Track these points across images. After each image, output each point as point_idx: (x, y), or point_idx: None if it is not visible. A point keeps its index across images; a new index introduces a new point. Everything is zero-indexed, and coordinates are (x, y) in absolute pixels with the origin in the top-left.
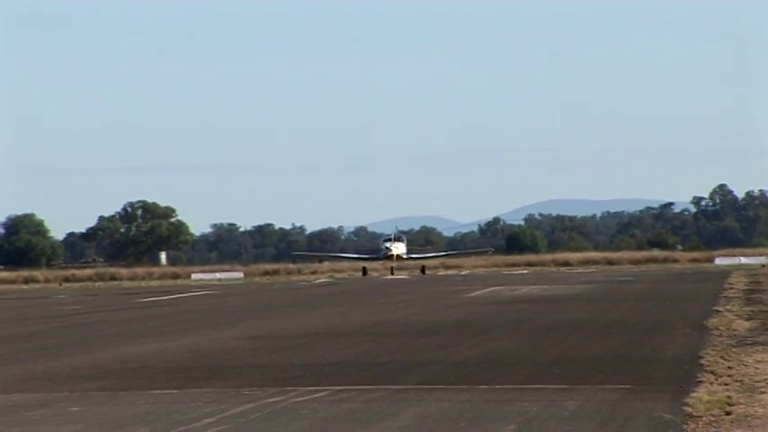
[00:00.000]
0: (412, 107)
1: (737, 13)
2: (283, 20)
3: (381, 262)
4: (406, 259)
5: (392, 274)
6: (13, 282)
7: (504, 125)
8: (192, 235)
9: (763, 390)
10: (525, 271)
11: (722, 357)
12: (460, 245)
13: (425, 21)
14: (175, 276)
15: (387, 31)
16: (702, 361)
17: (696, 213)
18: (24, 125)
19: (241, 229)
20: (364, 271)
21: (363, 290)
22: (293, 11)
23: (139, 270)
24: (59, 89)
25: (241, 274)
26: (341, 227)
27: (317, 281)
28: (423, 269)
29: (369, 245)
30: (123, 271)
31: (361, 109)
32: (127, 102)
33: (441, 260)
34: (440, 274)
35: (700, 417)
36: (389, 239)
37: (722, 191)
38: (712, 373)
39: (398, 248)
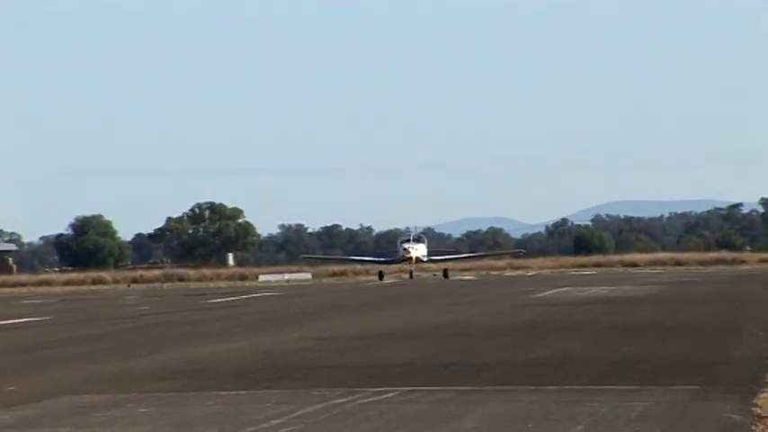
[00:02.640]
0: (479, 109)
1: None
2: (349, 19)
3: (399, 265)
4: (426, 262)
5: (411, 277)
6: (82, 283)
7: (571, 127)
8: (259, 236)
9: None
10: (593, 272)
11: None
12: (528, 245)
13: (500, 22)
14: (243, 277)
15: (461, 31)
16: None
17: (764, 214)
18: (91, 127)
19: (309, 230)
20: (380, 275)
21: (431, 291)
22: (360, 7)
23: (207, 271)
24: (128, 92)
25: (309, 275)
26: (408, 228)
27: (385, 281)
28: (445, 272)
29: (436, 246)
30: (191, 272)
31: (430, 111)
32: (194, 103)
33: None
34: (506, 275)
35: None
36: (408, 240)
37: None
38: None
39: (418, 250)
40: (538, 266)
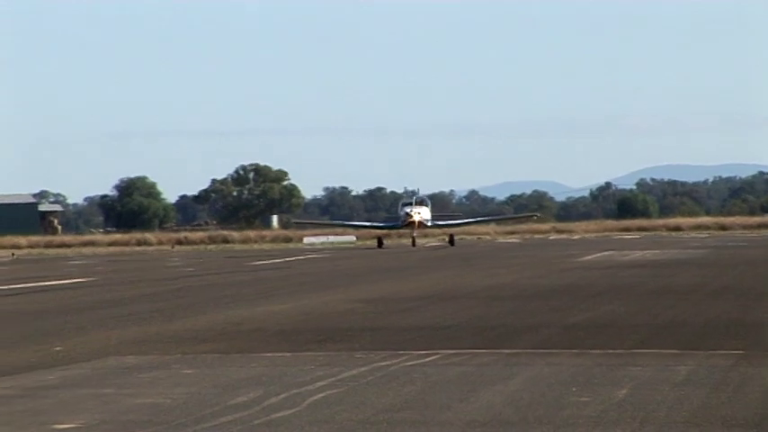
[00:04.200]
0: (524, 74)
1: None
2: None
3: (399, 230)
4: (430, 227)
5: (413, 245)
6: (126, 244)
7: (616, 91)
8: (303, 198)
9: None
10: (636, 236)
11: None
12: (573, 209)
13: None
14: (287, 239)
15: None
16: None
17: None
18: (136, 89)
19: (353, 193)
20: (380, 242)
21: (475, 253)
22: None
23: (251, 233)
24: (173, 54)
25: (353, 238)
26: (452, 191)
27: (428, 244)
28: (451, 238)
29: (479, 209)
30: (235, 234)
31: (475, 75)
32: (238, 66)
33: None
34: (551, 238)
35: None
36: (410, 203)
37: None
38: None
39: (421, 214)
40: (582, 230)
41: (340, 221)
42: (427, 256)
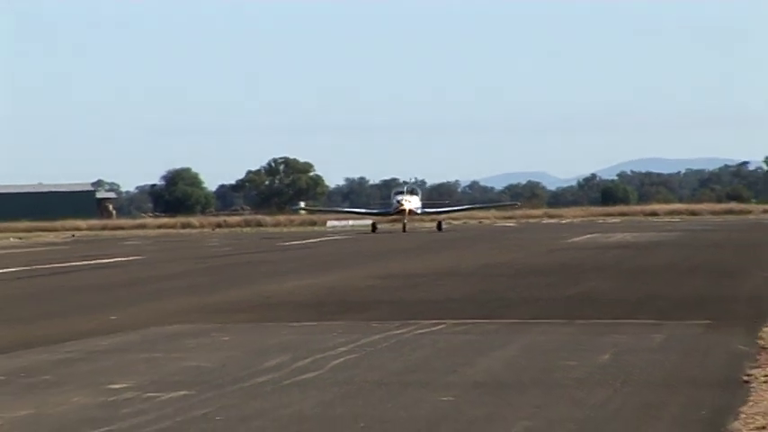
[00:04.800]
0: (521, 77)
1: None
2: None
3: (392, 217)
4: (420, 214)
5: (404, 231)
6: (173, 227)
7: (600, 93)
8: (327, 187)
9: None
10: (618, 220)
11: None
12: (562, 197)
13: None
14: (313, 223)
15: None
16: None
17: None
18: (182, 89)
19: (370, 183)
20: (374, 227)
21: (477, 236)
22: None
23: (281, 217)
24: (217, 58)
25: (370, 221)
26: (457, 181)
27: (431, 226)
28: (439, 225)
29: (480, 197)
30: (268, 218)
31: (478, 77)
32: (273, 70)
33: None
34: (543, 222)
35: None
36: (401, 192)
37: None
38: None
39: (411, 202)
40: (570, 216)
41: (338, 208)
42: (437, 238)
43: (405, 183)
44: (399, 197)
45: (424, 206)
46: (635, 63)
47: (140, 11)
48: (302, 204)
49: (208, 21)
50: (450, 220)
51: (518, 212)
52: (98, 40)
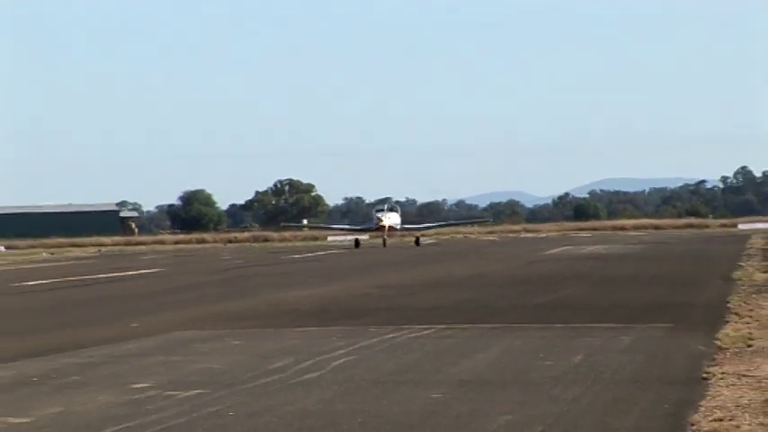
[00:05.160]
0: (500, 104)
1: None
2: (399, 14)
3: (373, 233)
4: (399, 230)
5: (384, 245)
6: (188, 242)
7: (572, 118)
8: (327, 206)
9: None
10: (589, 234)
11: (744, 302)
12: (539, 214)
13: (520, 19)
14: (315, 239)
15: (489, 26)
16: (729, 305)
17: (723, 189)
18: (194, 116)
19: (366, 201)
20: (356, 243)
21: (462, 250)
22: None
23: (287, 234)
24: (226, 88)
25: (367, 237)
26: (444, 199)
27: (427, 242)
28: (417, 240)
29: (465, 214)
30: (274, 234)
31: (461, 105)
32: (277, 101)
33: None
34: (522, 236)
35: (727, 348)
36: (382, 210)
37: (744, 171)
38: (737, 314)
39: (390, 219)
40: (546, 230)
41: (324, 225)
42: (426, 253)
43: (385, 200)
44: (379, 214)
45: (403, 222)
46: (604, 92)
47: (162, 44)
48: (305, 222)
49: (220, 56)
50: (438, 235)
51: (499, 228)
52: (122, 73)
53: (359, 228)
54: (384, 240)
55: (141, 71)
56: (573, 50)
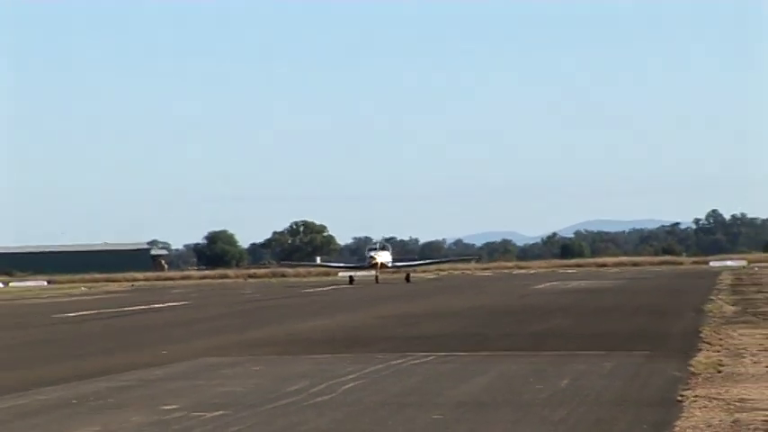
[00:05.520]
0: (497, 149)
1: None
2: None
3: (366, 270)
4: (390, 267)
5: (377, 282)
6: (212, 277)
7: (558, 165)
8: (338, 244)
9: (744, 355)
10: (575, 270)
11: (715, 332)
12: (529, 252)
13: (514, 75)
14: (327, 274)
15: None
16: (701, 334)
17: (696, 230)
18: (217, 166)
19: (373, 240)
20: (351, 280)
21: (460, 284)
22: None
23: (301, 270)
24: (246, 140)
25: (374, 272)
26: (444, 239)
27: (428, 277)
28: (407, 277)
29: (463, 252)
30: (290, 270)
31: (456, 150)
32: (292, 149)
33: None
34: (514, 273)
35: (699, 374)
36: (374, 248)
37: (714, 214)
38: (708, 343)
39: (382, 257)
40: (536, 267)
41: (321, 263)
42: (426, 287)
43: (378, 241)
44: (372, 252)
45: (394, 261)
46: (590, 141)
47: (190, 94)
48: (318, 260)
49: (248, 108)
50: (439, 271)
51: (493, 264)
52: (154, 124)
53: (353, 265)
54: (376, 277)
55: (170, 120)
56: (562, 104)
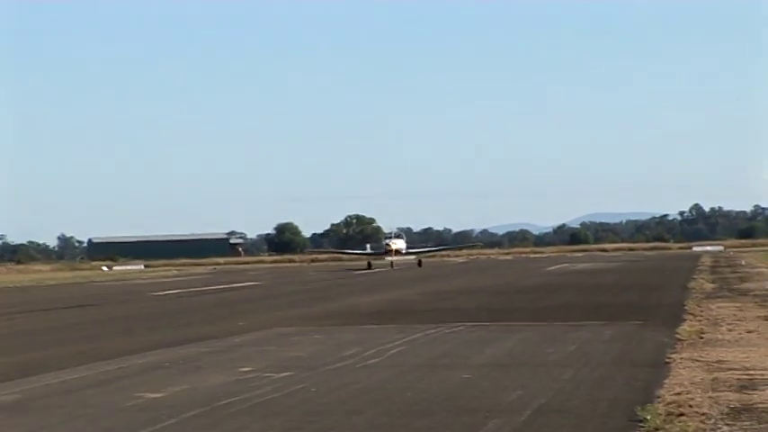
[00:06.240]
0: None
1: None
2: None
3: (383, 256)
4: (405, 254)
5: (392, 266)
6: (281, 262)
7: (565, 166)
8: (384, 234)
9: (721, 324)
10: (581, 254)
11: (697, 305)
12: (543, 239)
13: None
14: (376, 259)
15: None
16: (686, 307)
17: (681, 221)
18: (285, 170)
19: (414, 230)
20: (369, 265)
21: (484, 265)
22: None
23: (354, 255)
24: (308, 148)
25: (390, 258)
26: (472, 229)
27: (458, 260)
28: (419, 262)
29: (486, 240)
30: (344, 256)
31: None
32: (346, 156)
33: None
34: (531, 257)
35: (684, 340)
36: (390, 237)
37: (697, 207)
38: (692, 314)
39: (397, 244)
40: (549, 252)
41: (341, 250)
42: (458, 269)
43: (395, 230)
44: (388, 240)
45: (408, 248)
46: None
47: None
48: (368, 247)
49: (313, 120)
50: (468, 255)
51: (514, 250)
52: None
53: (372, 252)
54: (392, 262)
55: (245, 131)
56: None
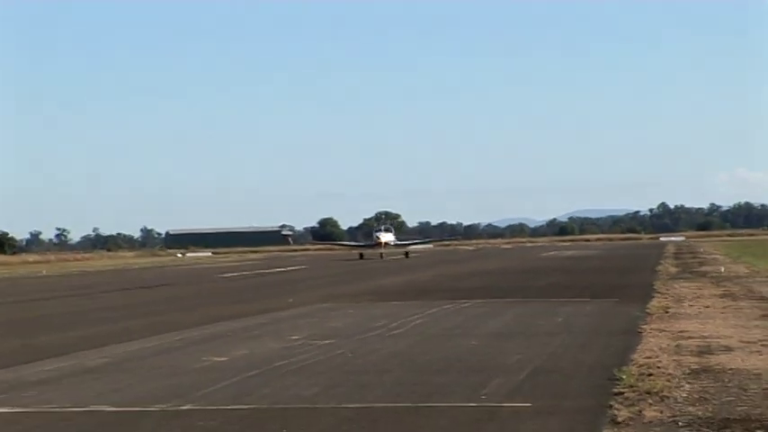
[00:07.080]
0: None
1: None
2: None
3: (373, 248)
4: (393, 246)
5: (381, 258)
6: (323, 250)
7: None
8: (408, 227)
9: (684, 301)
10: (568, 244)
11: (664, 285)
12: (537, 231)
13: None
14: (399, 247)
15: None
16: (654, 287)
17: (650, 216)
18: (327, 172)
19: (432, 224)
20: (360, 255)
21: (489, 253)
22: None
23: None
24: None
25: (431, 245)
26: (479, 222)
27: (468, 248)
28: (407, 254)
29: (487, 233)
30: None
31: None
32: (377, 160)
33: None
34: (527, 245)
35: (653, 314)
36: (380, 230)
37: (663, 205)
38: (659, 292)
39: (386, 237)
40: (542, 241)
41: (332, 242)
42: (468, 255)
43: (384, 222)
44: (377, 233)
45: (396, 240)
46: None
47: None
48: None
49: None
50: (477, 244)
51: (513, 240)
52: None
53: (362, 244)
54: (381, 254)
55: (296, 137)
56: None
